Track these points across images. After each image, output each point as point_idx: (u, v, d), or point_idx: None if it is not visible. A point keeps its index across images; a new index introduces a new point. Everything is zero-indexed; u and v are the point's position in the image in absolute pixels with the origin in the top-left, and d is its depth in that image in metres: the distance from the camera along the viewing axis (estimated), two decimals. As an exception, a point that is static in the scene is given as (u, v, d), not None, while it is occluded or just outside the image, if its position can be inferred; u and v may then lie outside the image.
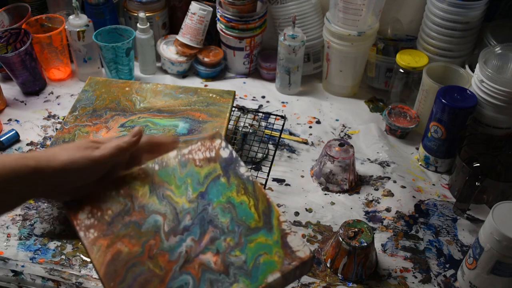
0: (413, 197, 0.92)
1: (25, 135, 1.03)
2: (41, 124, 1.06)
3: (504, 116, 0.91)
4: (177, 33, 1.20)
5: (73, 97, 1.14)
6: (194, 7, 1.14)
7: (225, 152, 0.67)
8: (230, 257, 0.56)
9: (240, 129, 0.97)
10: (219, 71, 1.21)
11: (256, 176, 0.93)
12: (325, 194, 0.93)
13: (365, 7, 1.01)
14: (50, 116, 1.09)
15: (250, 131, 0.97)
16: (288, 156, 1.01)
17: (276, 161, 0.98)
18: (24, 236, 0.84)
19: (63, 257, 0.81)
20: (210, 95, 0.96)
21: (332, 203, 0.91)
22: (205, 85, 1.18)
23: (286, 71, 1.12)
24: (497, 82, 0.87)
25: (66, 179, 0.59)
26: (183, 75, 1.21)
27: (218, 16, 1.15)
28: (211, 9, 1.15)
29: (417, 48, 1.08)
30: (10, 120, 1.07)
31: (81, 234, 0.59)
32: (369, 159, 1.00)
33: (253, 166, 0.97)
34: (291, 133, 1.06)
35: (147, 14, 1.16)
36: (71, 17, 1.10)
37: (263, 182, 0.90)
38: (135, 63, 1.18)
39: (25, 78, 1.11)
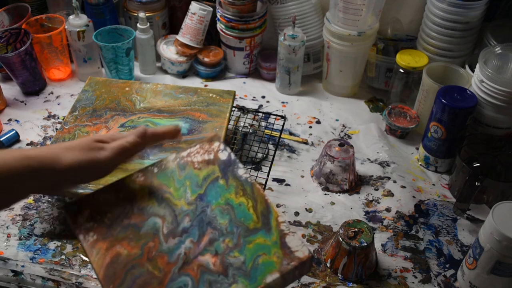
0: (413, 197, 0.92)
1: (25, 135, 1.03)
2: (41, 124, 1.06)
3: (504, 116, 0.91)
4: (177, 33, 1.20)
5: (73, 97, 1.14)
6: (194, 7, 1.14)
7: (224, 154, 0.67)
8: (229, 258, 0.56)
9: (240, 129, 0.97)
10: (219, 71, 1.21)
11: (256, 176, 0.93)
12: (325, 194, 0.93)
13: (365, 7, 1.01)
14: (50, 116, 1.09)
15: (250, 131, 0.97)
16: (288, 156, 1.01)
17: (276, 161, 0.98)
18: (24, 236, 0.84)
19: (63, 257, 0.81)
20: (210, 95, 0.96)
21: (332, 203, 0.91)
22: (205, 85, 1.18)
23: (286, 71, 1.12)
24: (497, 82, 0.87)
25: (69, 180, 0.59)
26: (183, 75, 1.21)
27: (218, 16, 1.15)
28: (211, 9, 1.15)
29: (417, 48, 1.08)
30: (10, 120, 1.07)
31: (81, 237, 0.59)
32: (369, 159, 1.00)
33: (253, 166, 0.97)
34: (291, 133, 1.06)
35: (147, 14, 1.16)
36: (71, 17, 1.10)
37: (263, 182, 0.90)
38: (135, 63, 1.18)
39: (25, 78, 1.11)
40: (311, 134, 1.06)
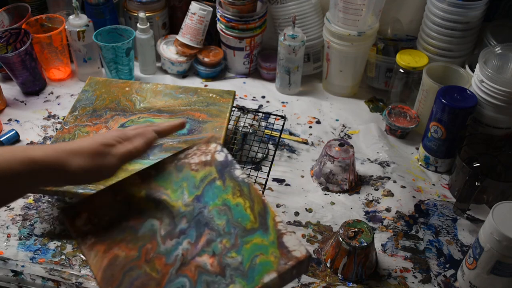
0: (413, 197, 0.92)
1: (25, 135, 1.03)
2: (41, 124, 1.06)
3: (504, 116, 0.91)
4: (177, 33, 1.20)
5: (73, 97, 1.14)
6: (194, 7, 1.14)
7: (221, 155, 0.67)
8: (226, 258, 0.56)
9: (240, 129, 0.97)
10: (219, 71, 1.21)
11: (256, 176, 0.93)
12: (325, 194, 0.93)
13: (365, 7, 1.01)
14: (50, 116, 1.09)
15: (250, 131, 0.97)
16: (288, 156, 1.01)
17: (276, 161, 0.98)
18: (24, 236, 0.84)
19: (63, 257, 0.81)
20: (210, 95, 0.96)
21: (332, 203, 0.91)
22: (205, 85, 1.18)
23: (286, 71, 1.12)
24: (497, 82, 0.87)
25: (72, 183, 0.60)
26: (183, 75, 1.21)
27: (218, 16, 1.15)
28: (211, 9, 1.15)
29: (417, 48, 1.08)
30: (10, 120, 1.07)
31: (79, 240, 0.60)
32: (369, 159, 1.00)
33: (253, 166, 0.97)
34: (291, 133, 1.06)
35: (147, 14, 1.16)
36: (71, 17, 1.10)
37: (263, 182, 0.90)
38: (135, 63, 1.18)
39: (25, 78, 1.11)
40: (311, 134, 1.06)
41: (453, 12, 0.98)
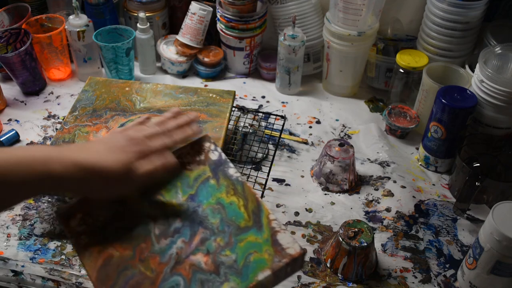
0: (413, 197, 0.92)
1: (25, 135, 1.03)
2: (41, 124, 1.06)
3: (504, 116, 0.91)
4: (177, 33, 1.20)
5: (73, 97, 1.14)
6: (194, 7, 1.14)
7: (214, 154, 0.67)
8: (220, 256, 0.57)
9: (240, 129, 0.97)
10: (219, 71, 1.21)
11: (256, 176, 0.94)
12: (325, 194, 0.93)
13: (365, 7, 1.01)
14: (50, 116, 1.09)
15: (250, 131, 0.97)
16: (288, 156, 1.01)
17: (276, 161, 0.98)
18: (24, 236, 0.84)
19: (63, 257, 0.81)
20: (210, 95, 0.96)
21: (332, 203, 0.91)
22: (205, 85, 1.18)
23: (286, 71, 1.12)
24: (497, 82, 0.87)
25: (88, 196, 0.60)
26: (183, 75, 1.21)
27: (218, 16, 1.15)
28: (211, 9, 1.15)
29: (417, 48, 1.08)
30: (10, 120, 1.07)
31: (73, 240, 0.60)
32: (369, 159, 1.00)
33: (253, 166, 0.97)
34: (291, 133, 1.06)
35: (147, 14, 1.16)
36: (71, 17, 1.10)
37: (263, 182, 0.90)
38: (135, 63, 1.18)
39: (25, 78, 1.11)
40: (311, 134, 1.06)
41: (453, 12, 0.98)
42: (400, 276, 0.80)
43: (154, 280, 0.55)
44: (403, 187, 0.94)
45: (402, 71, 1.04)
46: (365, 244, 0.76)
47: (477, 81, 0.90)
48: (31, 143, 1.01)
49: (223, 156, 0.67)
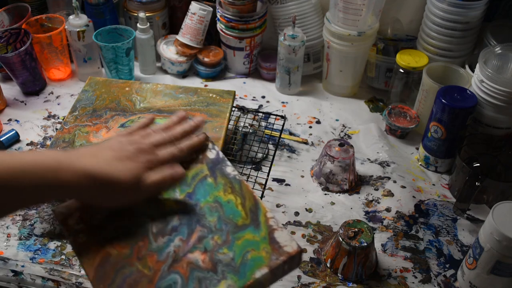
0: (413, 197, 0.92)
1: (25, 135, 1.03)
2: (41, 124, 1.06)
3: (504, 116, 0.91)
4: (177, 33, 1.20)
5: (73, 97, 1.14)
6: (194, 7, 1.14)
7: (212, 153, 0.68)
8: (218, 254, 0.57)
9: (240, 129, 0.97)
10: (219, 71, 1.21)
11: (256, 176, 0.94)
12: (325, 194, 0.93)
13: (365, 7, 1.01)
14: (50, 116, 1.09)
15: (250, 131, 0.97)
16: (288, 156, 1.01)
17: (276, 161, 0.98)
18: (24, 236, 0.84)
19: (63, 257, 0.81)
20: (210, 95, 0.96)
21: (332, 203, 0.91)
22: (205, 85, 1.18)
23: (286, 71, 1.12)
24: (497, 82, 0.87)
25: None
26: (183, 75, 1.21)
27: (218, 16, 1.15)
28: (211, 9, 1.15)
29: (417, 48, 1.08)
30: (10, 120, 1.07)
31: (71, 238, 0.60)
32: (369, 159, 1.00)
33: (253, 166, 0.97)
34: (291, 133, 1.06)
35: (147, 14, 1.16)
36: (71, 17, 1.10)
37: (263, 182, 0.90)
38: (135, 63, 1.18)
39: (25, 78, 1.11)
40: (311, 134, 1.06)
41: (453, 12, 0.98)
42: (400, 276, 0.80)
43: (151, 278, 0.55)
44: (403, 187, 0.94)
45: (402, 71, 1.05)
46: (365, 244, 0.76)
47: (477, 81, 0.90)
48: (31, 143, 1.01)
49: (221, 154, 0.67)
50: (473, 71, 0.96)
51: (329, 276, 0.80)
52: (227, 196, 0.63)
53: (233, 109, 1.01)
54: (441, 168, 0.97)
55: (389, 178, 0.95)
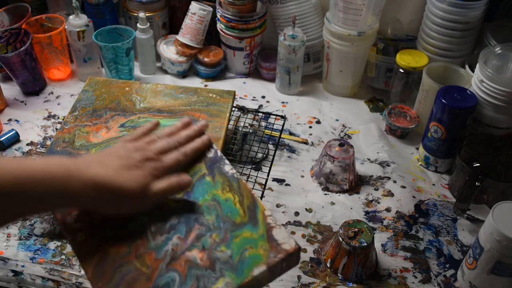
0: (413, 197, 0.92)
1: (25, 135, 1.03)
2: (41, 124, 1.06)
3: (504, 116, 0.91)
4: (177, 33, 1.20)
5: (73, 97, 1.14)
6: (194, 7, 1.14)
7: (210, 152, 0.68)
8: (216, 252, 0.57)
9: (240, 129, 0.97)
10: (219, 71, 1.21)
11: (256, 176, 0.94)
12: (325, 194, 0.93)
13: (365, 7, 1.01)
14: (50, 116, 1.09)
15: (250, 131, 0.97)
16: (288, 156, 1.01)
17: (276, 161, 0.98)
18: (24, 236, 0.84)
19: (63, 257, 0.81)
20: (210, 95, 0.96)
21: (332, 203, 0.91)
22: (205, 85, 1.18)
23: (286, 71, 1.12)
24: (497, 82, 0.87)
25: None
26: (183, 75, 1.21)
27: (218, 16, 1.15)
28: (211, 9, 1.15)
29: (417, 48, 1.08)
30: (10, 120, 1.07)
31: (70, 237, 0.60)
32: (369, 159, 1.00)
33: (253, 166, 0.97)
34: (291, 133, 1.06)
35: (147, 14, 1.16)
36: (71, 17, 1.10)
37: (263, 182, 0.91)
38: (135, 63, 1.18)
39: (25, 78, 1.11)
40: (311, 134, 1.06)
41: (453, 12, 0.98)
42: (400, 276, 0.80)
43: (149, 276, 0.56)
44: (403, 187, 0.94)
45: (402, 71, 1.05)
46: (365, 244, 0.76)
47: (477, 81, 0.90)
48: (31, 143, 1.01)
49: (219, 153, 0.68)
50: (473, 71, 0.96)
51: (329, 276, 0.80)
52: (225, 194, 0.63)
53: (233, 109, 1.01)
54: (441, 168, 0.97)
55: (389, 178, 0.95)
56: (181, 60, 1.17)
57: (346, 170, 0.91)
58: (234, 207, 0.61)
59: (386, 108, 1.06)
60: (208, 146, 0.69)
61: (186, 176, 0.62)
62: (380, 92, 1.17)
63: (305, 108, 1.12)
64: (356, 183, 0.95)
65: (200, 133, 0.69)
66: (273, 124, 1.04)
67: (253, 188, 0.91)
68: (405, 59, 1.04)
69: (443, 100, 0.89)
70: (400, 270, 0.81)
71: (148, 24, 1.14)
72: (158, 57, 1.21)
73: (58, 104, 1.12)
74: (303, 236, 0.85)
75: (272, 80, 1.19)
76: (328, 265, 0.80)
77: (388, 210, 0.90)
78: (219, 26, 1.16)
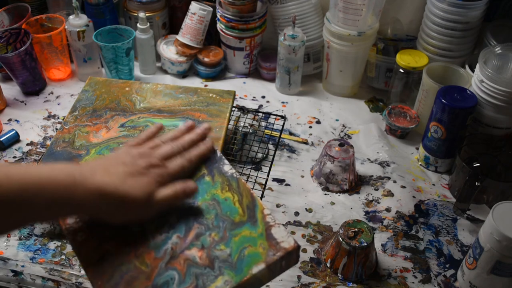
0: (413, 197, 0.92)
1: (25, 135, 1.03)
2: (41, 124, 1.06)
3: (504, 116, 0.91)
4: (177, 33, 1.20)
5: (73, 97, 1.14)
6: (194, 7, 1.14)
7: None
8: (215, 251, 0.57)
9: (240, 129, 0.97)
10: (219, 71, 1.21)
11: (256, 176, 0.94)
12: (325, 194, 0.93)
13: (365, 7, 1.01)
14: (50, 116, 1.09)
15: (250, 131, 0.97)
16: (288, 156, 1.01)
17: (276, 161, 0.98)
18: (24, 236, 0.84)
19: (63, 257, 0.81)
20: (210, 95, 0.96)
21: (332, 203, 0.91)
22: (205, 85, 1.18)
23: (286, 71, 1.12)
24: (497, 82, 0.87)
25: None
26: (183, 75, 1.21)
27: (218, 16, 1.15)
28: (211, 9, 1.15)
29: (417, 48, 1.08)
30: (10, 120, 1.07)
31: (70, 237, 0.60)
32: (369, 159, 1.00)
33: (253, 166, 0.97)
34: (291, 133, 1.06)
35: (147, 14, 1.16)
36: (71, 17, 1.10)
37: (263, 182, 0.91)
38: (135, 63, 1.18)
39: (25, 78, 1.11)
40: (311, 134, 1.06)
41: (453, 12, 0.98)
42: (400, 276, 0.80)
43: (149, 274, 0.56)
44: (403, 187, 0.94)
45: (402, 71, 1.05)
46: (365, 244, 0.76)
47: (477, 81, 0.90)
48: (31, 143, 1.01)
49: (218, 153, 0.68)
50: (473, 71, 0.96)
51: (329, 276, 0.80)
52: (224, 193, 0.63)
53: (233, 109, 1.01)
54: (441, 168, 0.97)
55: (389, 178, 0.95)
56: (181, 60, 1.17)
57: (346, 170, 0.91)
58: (233, 206, 0.62)
59: (386, 108, 1.06)
60: (212, 151, 0.69)
61: (192, 182, 0.62)
62: (380, 92, 1.17)
63: (305, 108, 1.12)
64: (356, 183, 0.95)
65: (203, 137, 0.68)
66: (273, 124, 1.04)
67: (253, 188, 0.91)
68: (405, 59, 1.04)
69: (443, 100, 0.89)
70: (400, 270, 0.81)
71: (148, 24, 1.14)
72: (158, 57, 1.21)
73: (58, 104, 1.12)
74: (303, 236, 0.85)
75: (272, 80, 1.19)
76: (328, 265, 0.80)
77: (388, 210, 0.90)
78: (219, 26, 1.16)
